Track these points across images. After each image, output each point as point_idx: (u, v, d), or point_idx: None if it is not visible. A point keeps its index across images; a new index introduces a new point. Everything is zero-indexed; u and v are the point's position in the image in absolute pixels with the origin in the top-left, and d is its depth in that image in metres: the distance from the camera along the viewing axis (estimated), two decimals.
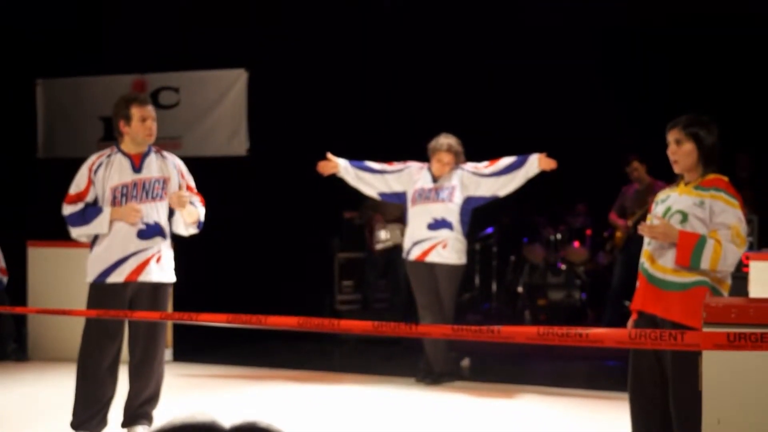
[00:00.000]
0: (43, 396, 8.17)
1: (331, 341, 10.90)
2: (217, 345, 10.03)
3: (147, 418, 6.50)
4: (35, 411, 7.58)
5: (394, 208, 11.32)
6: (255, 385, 8.68)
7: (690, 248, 4.85)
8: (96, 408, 6.35)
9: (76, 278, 9.34)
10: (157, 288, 6.39)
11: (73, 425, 6.37)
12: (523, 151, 8.51)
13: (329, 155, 8.66)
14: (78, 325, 9.16)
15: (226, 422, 1.19)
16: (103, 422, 6.41)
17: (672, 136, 5.13)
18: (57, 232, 9.30)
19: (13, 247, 10.14)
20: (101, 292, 6.30)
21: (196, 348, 9.73)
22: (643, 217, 10.77)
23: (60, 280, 9.63)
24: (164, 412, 6.52)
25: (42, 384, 8.70)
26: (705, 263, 4.84)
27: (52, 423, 6.96)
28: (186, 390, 8.17)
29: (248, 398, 8.11)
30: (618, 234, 11.35)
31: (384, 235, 11.66)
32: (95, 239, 6.35)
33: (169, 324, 8.67)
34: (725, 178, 5.09)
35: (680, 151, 5.10)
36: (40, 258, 9.88)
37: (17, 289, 9.83)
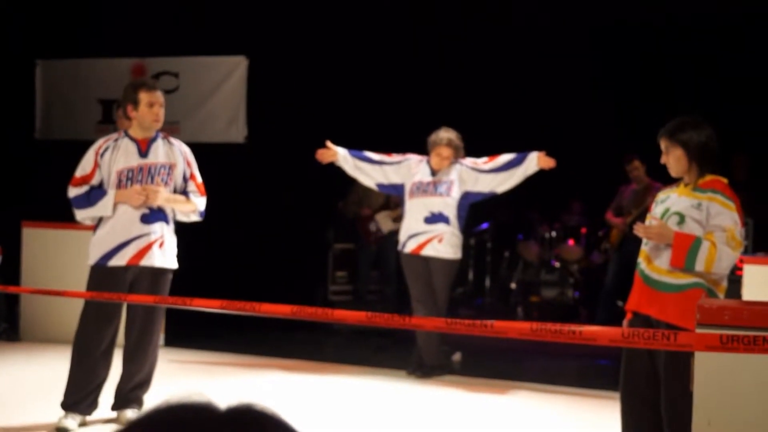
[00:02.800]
0: (33, 377, 8.16)
1: (323, 331, 10.90)
2: (209, 331, 10.01)
3: (137, 402, 6.51)
4: (25, 392, 7.58)
5: (378, 197, 11.32)
6: (245, 373, 8.68)
7: (685, 250, 4.86)
8: (88, 390, 6.36)
9: (70, 259, 9.36)
10: (158, 273, 6.40)
11: (64, 406, 6.38)
12: (521, 148, 8.51)
13: (329, 143, 8.65)
14: (71, 306, 9.20)
15: (221, 405, 1.18)
16: (94, 405, 6.42)
17: (662, 145, 5.16)
18: (53, 213, 9.31)
19: (9, 227, 10.13)
20: (102, 274, 6.31)
21: (188, 334, 9.72)
22: (640, 218, 10.80)
23: (54, 261, 9.63)
24: (155, 396, 6.52)
25: (33, 365, 8.69)
26: (699, 265, 4.84)
27: (42, 404, 6.96)
28: (177, 375, 8.17)
29: (238, 386, 8.11)
30: (614, 233, 11.35)
31: (374, 227, 11.68)
32: (99, 222, 6.37)
33: None
34: (724, 180, 5.09)
35: (670, 158, 5.12)
36: (35, 238, 9.87)
37: (11, 269, 9.82)
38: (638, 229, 5.06)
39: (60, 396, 6.41)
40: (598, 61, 12.45)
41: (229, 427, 1.11)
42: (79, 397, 6.36)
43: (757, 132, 11.66)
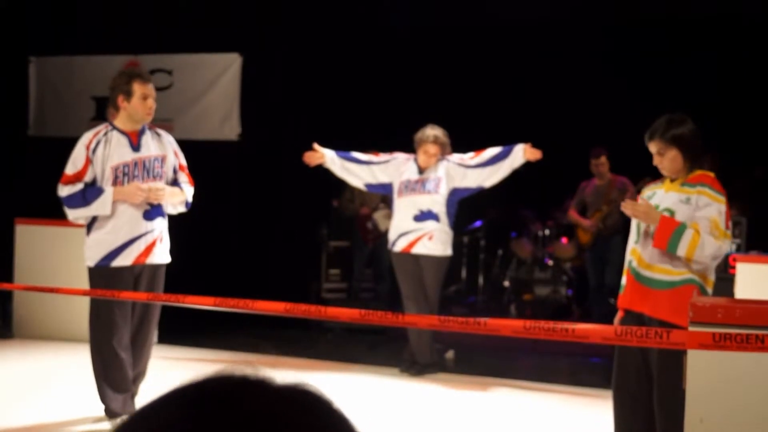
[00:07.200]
0: (26, 373, 8.15)
1: (316, 329, 10.89)
2: (201, 329, 9.99)
3: (134, 394, 6.38)
4: (19, 388, 7.56)
5: (375, 196, 11.33)
6: None
7: (669, 233, 4.88)
8: (123, 389, 6.19)
9: (63, 256, 9.36)
10: (157, 269, 6.28)
11: (110, 414, 6.20)
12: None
13: (316, 146, 8.65)
14: (64, 303, 9.21)
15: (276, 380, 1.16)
16: (133, 400, 6.27)
17: (654, 147, 5.13)
18: (46, 210, 9.29)
19: (2, 223, 10.12)
20: (106, 276, 6.10)
21: (181, 331, 9.70)
22: (611, 214, 10.84)
23: (47, 258, 9.62)
24: (147, 392, 6.50)
25: (26, 362, 8.68)
26: (682, 250, 4.85)
27: (35, 400, 6.95)
28: (168, 372, 8.15)
29: None
30: (581, 233, 11.42)
31: (371, 225, 11.71)
32: (93, 221, 6.15)
33: None
34: (711, 174, 5.11)
35: (665, 160, 5.12)
36: (28, 235, 9.86)
37: (3, 265, 9.81)
38: (626, 206, 5.06)
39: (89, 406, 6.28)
40: (592, 59, 12.46)
41: (281, 405, 1.08)
42: (120, 399, 6.18)
43: (748, 131, 11.71)
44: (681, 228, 4.88)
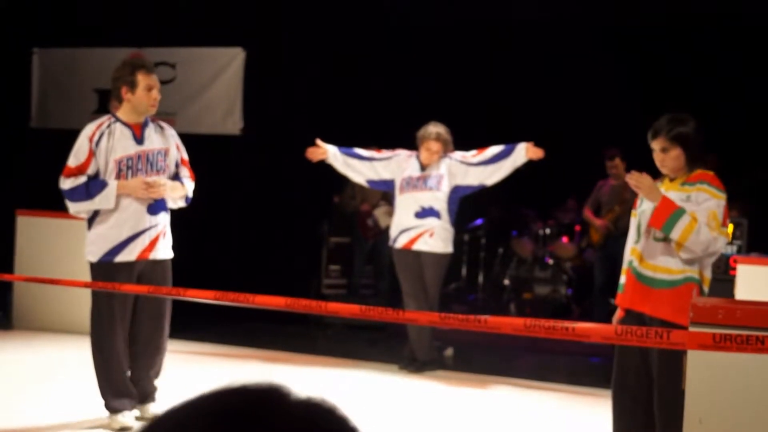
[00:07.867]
0: (26, 365, 8.15)
1: (315, 325, 10.89)
2: (200, 323, 9.98)
3: (154, 393, 6.31)
4: (18, 380, 7.56)
5: (376, 192, 11.34)
6: (237, 365, 8.68)
7: (667, 214, 4.89)
8: (123, 386, 6.11)
9: (64, 248, 9.37)
10: (161, 263, 6.17)
11: (111, 409, 6.11)
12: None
13: (318, 141, 8.65)
14: (64, 295, 9.22)
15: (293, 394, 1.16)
16: (135, 398, 6.19)
17: (657, 145, 5.12)
18: (47, 202, 9.30)
19: (3, 214, 10.12)
20: (108, 272, 5.97)
21: (181, 324, 9.67)
22: (625, 215, 10.82)
23: (48, 249, 9.62)
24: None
25: (26, 353, 8.68)
26: (676, 232, 4.86)
27: (34, 392, 6.95)
28: (168, 366, 8.14)
29: (229, 377, 8.08)
30: (594, 233, 11.39)
31: (371, 222, 11.72)
32: (95, 215, 6.03)
33: None
34: (710, 173, 5.12)
35: (668, 158, 5.11)
36: (29, 227, 9.87)
37: (4, 256, 9.81)
38: (631, 177, 5.05)
39: (88, 399, 6.24)
40: (594, 59, 12.45)
41: (300, 423, 1.08)
42: (120, 398, 6.10)
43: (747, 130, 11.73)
44: (680, 211, 4.90)
